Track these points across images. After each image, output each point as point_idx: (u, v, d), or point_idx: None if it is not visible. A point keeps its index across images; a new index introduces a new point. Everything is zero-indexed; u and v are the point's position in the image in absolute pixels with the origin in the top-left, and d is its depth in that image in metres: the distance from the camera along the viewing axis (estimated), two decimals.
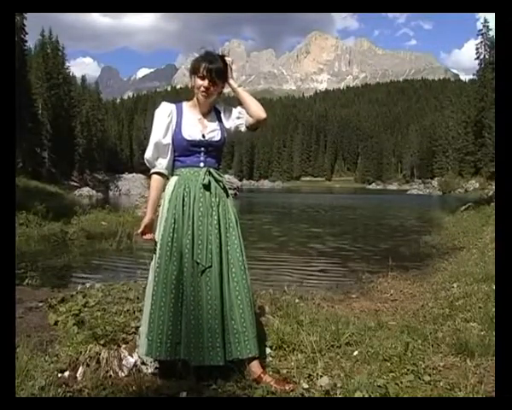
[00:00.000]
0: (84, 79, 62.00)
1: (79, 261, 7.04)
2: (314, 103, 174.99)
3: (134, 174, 47.98)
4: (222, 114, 2.25)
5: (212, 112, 2.24)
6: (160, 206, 2.19)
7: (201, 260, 2.02)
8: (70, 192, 33.81)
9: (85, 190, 35.74)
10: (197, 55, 2.15)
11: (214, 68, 2.08)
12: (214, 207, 2.10)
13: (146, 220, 2.13)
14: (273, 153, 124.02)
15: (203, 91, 2.11)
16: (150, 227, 2.14)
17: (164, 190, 2.19)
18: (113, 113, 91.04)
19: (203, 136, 2.14)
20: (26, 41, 36.60)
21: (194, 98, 2.19)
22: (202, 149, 2.15)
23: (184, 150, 2.14)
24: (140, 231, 2.14)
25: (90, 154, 53.52)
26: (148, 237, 2.13)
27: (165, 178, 2.18)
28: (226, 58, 2.17)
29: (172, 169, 2.19)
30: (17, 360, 2.06)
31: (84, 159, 50.74)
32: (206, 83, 2.10)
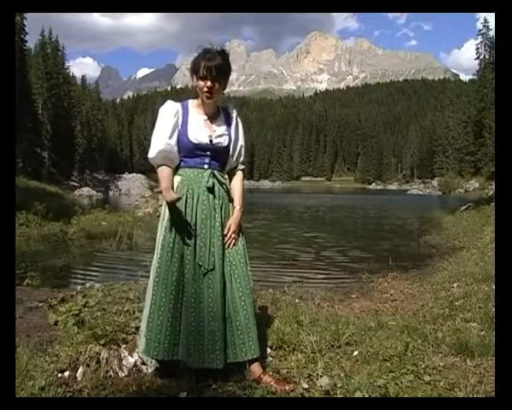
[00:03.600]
0: (84, 79, 61.99)
1: (79, 261, 7.04)
2: (314, 103, 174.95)
3: (134, 174, 48.06)
4: (233, 125, 2.20)
5: (220, 114, 2.19)
6: (161, 205, 2.17)
7: (204, 263, 2.01)
8: (70, 192, 33.83)
9: (85, 190, 35.76)
10: (196, 55, 2.09)
11: (214, 66, 2.03)
12: (217, 210, 2.08)
13: (161, 188, 2.02)
14: (273, 153, 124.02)
15: (206, 91, 2.06)
16: (170, 194, 2.00)
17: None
18: (113, 113, 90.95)
19: (210, 141, 2.10)
20: (26, 41, 36.62)
21: (199, 98, 2.14)
22: (208, 152, 2.11)
23: (189, 152, 2.11)
24: (156, 190, 2.06)
25: (90, 154, 53.54)
26: (170, 198, 1.99)
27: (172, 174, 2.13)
28: (225, 51, 2.10)
29: (176, 168, 2.16)
30: (17, 360, 2.06)
31: (84, 159, 50.77)
32: (208, 83, 2.04)
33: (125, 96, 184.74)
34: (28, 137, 34.15)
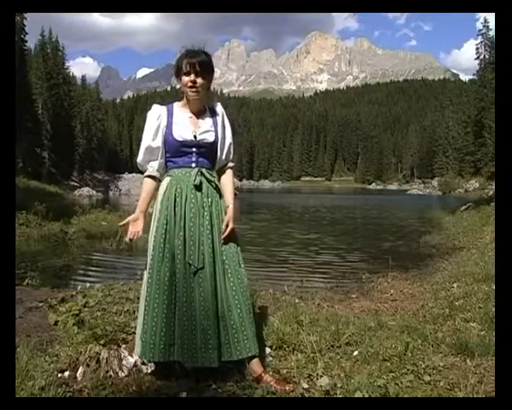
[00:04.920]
0: (84, 79, 61.98)
1: (79, 261, 7.04)
2: (314, 103, 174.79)
3: (134, 174, 47.93)
4: (219, 121, 2.21)
5: (206, 112, 2.21)
6: (152, 207, 2.19)
7: (193, 262, 2.01)
8: (70, 192, 33.82)
9: (85, 190, 35.72)
10: (179, 55, 2.14)
11: (197, 61, 2.07)
12: (206, 208, 2.09)
13: (130, 217, 2.14)
14: (273, 153, 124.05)
15: (191, 86, 2.09)
16: (136, 225, 2.13)
17: (157, 190, 2.19)
18: (113, 113, 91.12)
19: (195, 136, 2.12)
20: (26, 41, 36.61)
21: (184, 98, 2.17)
22: (194, 149, 2.13)
23: (176, 151, 2.13)
24: (121, 223, 2.14)
25: (90, 154, 53.51)
26: (130, 234, 2.11)
27: (158, 181, 2.18)
28: (207, 52, 2.14)
29: (165, 170, 2.19)
30: (17, 360, 2.06)
31: (84, 159, 50.73)
32: (192, 77, 2.08)
33: (125, 96, 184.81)
34: (28, 137, 34.13)
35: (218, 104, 2.28)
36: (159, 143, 2.13)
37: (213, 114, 2.23)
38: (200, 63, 2.07)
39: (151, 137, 2.13)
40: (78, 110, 50.95)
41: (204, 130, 2.15)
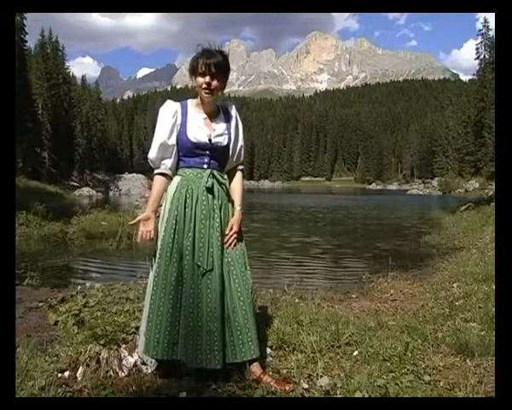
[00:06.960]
0: (84, 79, 62.04)
1: (79, 261, 7.04)
2: (314, 103, 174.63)
3: (134, 174, 47.99)
4: (232, 124, 2.19)
5: (220, 113, 2.18)
6: (161, 206, 2.16)
7: (202, 263, 2.00)
8: (70, 192, 33.84)
9: (85, 190, 35.72)
10: (195, 54, 2.10)
11: (213, 62, 2.03)
12: (216, 210, 2.08)
13: (141, 216, 2.10)
14: (273, 153, 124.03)
15: (205, 88, 2.05)
16: (148, 225, 2.08)
17: (166, 190, 2.16)
18: (113, 113, 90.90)
19: (209, 140, 2.09)
20: (26, 41, 36.62)
21: (198, 97, 2.13)
22: (207, 151, 2.11)
23: (188, 151, 2.10)
24: (132, 222, 2.12)
25: (90, 154, 53.50)
26: (142, 233, 2.08)
27: (169, 178, 2.14)
28: (224, 51, 2.11)
29: (176, 168, 2.16)
30: (17, 360, 2.06)
31: (84, 159, 50.71)
32: (207, 79, 2.04)
33: (125, 96, 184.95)
34: (28, 137, 34.11)
35: (233, 106, 2.25)
36: (173, 141, 2.09)
37: (227, 115, 2.20)
38: (216, 65, 2.03)
39: (167, 134, 2.08)
40: (78, 110, 50.91)
41: (218, 133, 2.12)
